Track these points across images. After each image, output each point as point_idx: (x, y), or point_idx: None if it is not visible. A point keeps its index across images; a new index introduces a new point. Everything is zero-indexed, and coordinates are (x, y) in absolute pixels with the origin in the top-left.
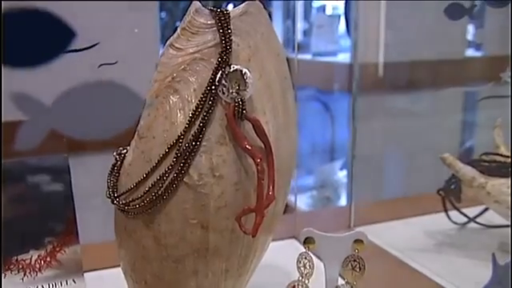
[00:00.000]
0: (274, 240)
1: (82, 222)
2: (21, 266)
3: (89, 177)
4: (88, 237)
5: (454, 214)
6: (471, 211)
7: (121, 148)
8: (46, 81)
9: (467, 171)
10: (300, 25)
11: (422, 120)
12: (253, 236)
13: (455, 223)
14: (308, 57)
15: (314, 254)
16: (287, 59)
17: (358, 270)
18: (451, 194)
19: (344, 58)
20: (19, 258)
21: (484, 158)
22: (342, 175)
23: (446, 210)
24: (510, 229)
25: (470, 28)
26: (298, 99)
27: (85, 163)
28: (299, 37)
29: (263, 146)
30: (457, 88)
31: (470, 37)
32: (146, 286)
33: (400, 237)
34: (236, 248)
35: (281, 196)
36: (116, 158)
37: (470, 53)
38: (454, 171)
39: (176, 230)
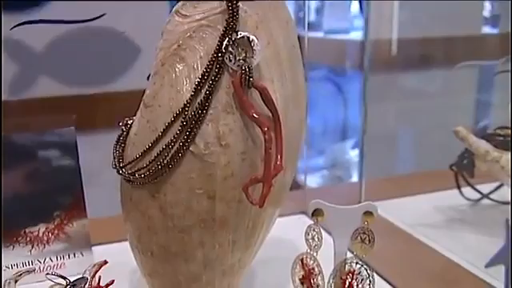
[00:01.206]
0: (283, 215)
1: (91, 198)
2: (29, 239)
3: (97, 153)
4: (96, 212)
5: (466, 190)
6: (484, 188)
7: (127, 118)
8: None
9: (481, 145)
10: (312, 3)
11: (435, 98)
12: (260, 206)
13: (468, 199)
14: (320, 35)
15: (322, 227)
16: (298, 37)
17: (367, 242)
18: (464, 168)
19: (357, 35)
20: (27, 230)
21: (499, 132)
22: (353, 154)
23: (458, 186)
24: None
25: (487, 4)
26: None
27: (94, 140)
28: (312, 15)
29: (271, 114)
30: (471, 65)
31: (486, 13)
32: (153, 258)
33: (411, 213)
34: (243, 219)
35: (289, 167)
36: (122, 129)
37: (487, 30)
38: (468, 145)
39: (182, 199)
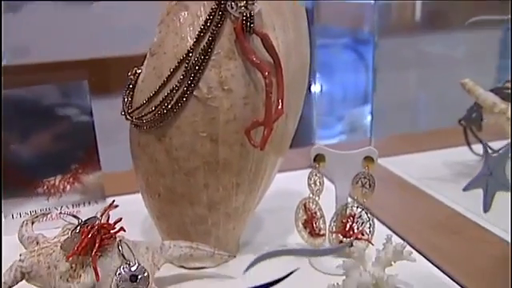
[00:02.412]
0: (291, 170)
1: (106, 155)
2: (46, 187)
3: (112, 113)
4: (111, 168)
5: (476, 147)
6: (493, 145)
7: (136, 68)
8: None
9: (488, 97)
10: None
11: (454, 62)
12: (261, 149)
13: (476, 154)
14: None
15: (325, 176)
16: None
17: (367, 187)
18: (472, 122)
19: None
20: (45, 180)
21: (507, 85)
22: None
23: (467, 141)
24: None
25: None
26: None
27: (108, 102)
28: None
29: (272, 60)
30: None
31: None
32: (160, 200)
33: (419, 167)
34: (246, 163)
35: (291, 115)
36: (131, 78)
37: None
38: (474, 97)
39: (186, 142)
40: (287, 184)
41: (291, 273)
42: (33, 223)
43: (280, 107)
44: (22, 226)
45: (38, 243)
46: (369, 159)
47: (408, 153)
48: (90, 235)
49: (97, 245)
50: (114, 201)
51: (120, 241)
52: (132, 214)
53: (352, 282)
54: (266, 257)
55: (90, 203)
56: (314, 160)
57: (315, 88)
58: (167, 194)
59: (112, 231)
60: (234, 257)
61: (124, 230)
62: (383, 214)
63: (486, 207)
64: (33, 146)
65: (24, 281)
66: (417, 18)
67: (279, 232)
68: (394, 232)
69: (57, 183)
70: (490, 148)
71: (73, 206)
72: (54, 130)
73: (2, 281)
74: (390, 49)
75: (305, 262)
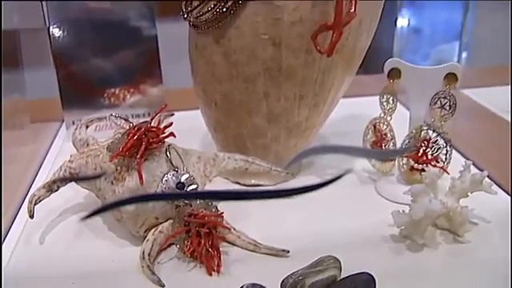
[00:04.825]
0: (364, 95)
1: (170, 72)
2: (107, 96)
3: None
4: (174, 85)
5: None
6: None
7: None
8: None
9: None
10: None
11: None
12: (328, 55)
13: None
14: None
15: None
16: None
17: (447, 108)
18: None
19: None
20: (107, 89)
21: None
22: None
23: None
24: None
25: None
26: None
27: (172, 26)
28: None
29: None
30: None
31: None
32: (217, 108)
33: (505, 100)
34: (311, 72)
35: (365, 27)
36: None
37: None
38: None
39: (246, 45)
40: (359, 109)
41: (343, 174)
42: (87, 127)
43: (352, 10)
44: (75, 129)
45: (87, 145)
46: (451, 77)
47: (495, 85)
48: (136, 137)
49: (143, 147)
50: (165, 107)
51: (169, 146)
52: (192, 128)
53: (420, 208)
54: (310, 152)
55: (149, 114)
56: (389, 75)
57: (402, 22)
58: (224, 102)
59: (161, 136)
60: (293, 175)
61: (174, 136)
62: (463, 144)
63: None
64: (95, 56)
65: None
66: None
67: (344, 155)
68: (473, 163)
69: (117, 92)
70: None
71: (132, 116)
72: (118, 41)
73: (51, 180)
74: None
75: (371, 188)
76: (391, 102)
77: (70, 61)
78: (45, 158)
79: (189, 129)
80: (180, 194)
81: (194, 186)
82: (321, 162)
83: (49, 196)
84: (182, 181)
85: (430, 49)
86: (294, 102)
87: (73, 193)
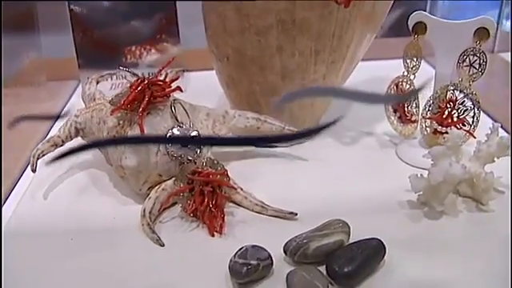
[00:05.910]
0: (392, 58)
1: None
2: (123, 53)
3: None
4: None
5: None
6: None
7: None
8: None
9: None
10: None
11: None
12: (345, 6)
13: None
14: None
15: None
16: None
17: (476, 67)
18: None
19: None
20: (122, 47)
21: None
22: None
23: None
24: None
25: None
26: None
27: None
28: None
29: None
30: None
31: None
32: (229, 64)
33: None
34: (327, 25)
35: None
36: None
37: None
38: None
39: None
40: (385, 71)
41: (336, 121)
42: (98, 82)
43: None
44: (85, 84)
45: (94, 100)
46: (482, 32)
47: None
48: (138, 89)
49: (145, 100)
50: (173, 60)
51: (174, 100)
52: (208, 88)
53: (439, 171)
54: (305, 93)
55: (167, 75)
56: (413, 30)
57: None
58: (236, 56)
59: (167, 90)
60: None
61: (181, 90)
62: (493, 108)
63: None
64: (113, 17)
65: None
66: None
67: (367, 117)
68: (502, 127)
69: (133, 49)
70: None
71: (149, 74)
72: (136, 3)
73: (57, 135)
74: None
75: (392, 153)
76: (415, 59)
77: (86, 21)
78: (60, 115)
79: (205, 88)
80: (158, 137)
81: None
82: (339, 124)
83: (53, 151)
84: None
85: (469, 13)
86: (310, 57)
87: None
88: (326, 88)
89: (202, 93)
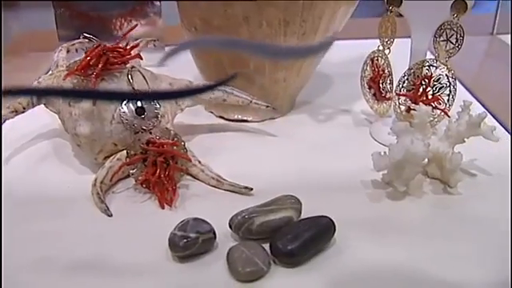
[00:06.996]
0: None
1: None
2: (102, 24)
3: None
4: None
5: None
6: None
7: None
8: None
9: None
10: None
11: None
12: None
13: None
14: None
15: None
16: None
17: (453, 41)
18: None
19: None
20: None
21: None
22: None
23: None
24: None
25: None
26: None
27: None
28: None
29: None
30: None
31: None
32: (197, 33)
33: None
34: None
35: None
36: None
37: None
38: None
39: None
40: (364, 50)
41: (233, 76)
42: (68, 51)
43: None
44: (55, 53)
45: (57, 66)
46: (460, 4)
47: None
48: (92, 55)
49: (99, 66)
50: (135, 27)
51: (132, 68)
52: (184, 62)
53: (398, 148)
54: (193, 44)
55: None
56: (387, 1)
57: None
58: (203, 26)
59: (126, 57)
60: (274, 109)
61: (141, 58)
62: (479, 89)
63: None
64: None
65: None
66: None
67: (343, 96)
68: (489, 111)
69: (114, 20)
70: None
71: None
72: None
73: (17, 101)
74: None
75: (366, 131)
76: (390, 32)
77: None
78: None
79: (184, 63)
80: (76, 91)
81: (156, 111)
82: (316, 102)
83: (13, 117)
84: (142, 105)
85: None
86: (279, 28)
87: (50, 119)
88: (223, 38)
89: (178, 67)
